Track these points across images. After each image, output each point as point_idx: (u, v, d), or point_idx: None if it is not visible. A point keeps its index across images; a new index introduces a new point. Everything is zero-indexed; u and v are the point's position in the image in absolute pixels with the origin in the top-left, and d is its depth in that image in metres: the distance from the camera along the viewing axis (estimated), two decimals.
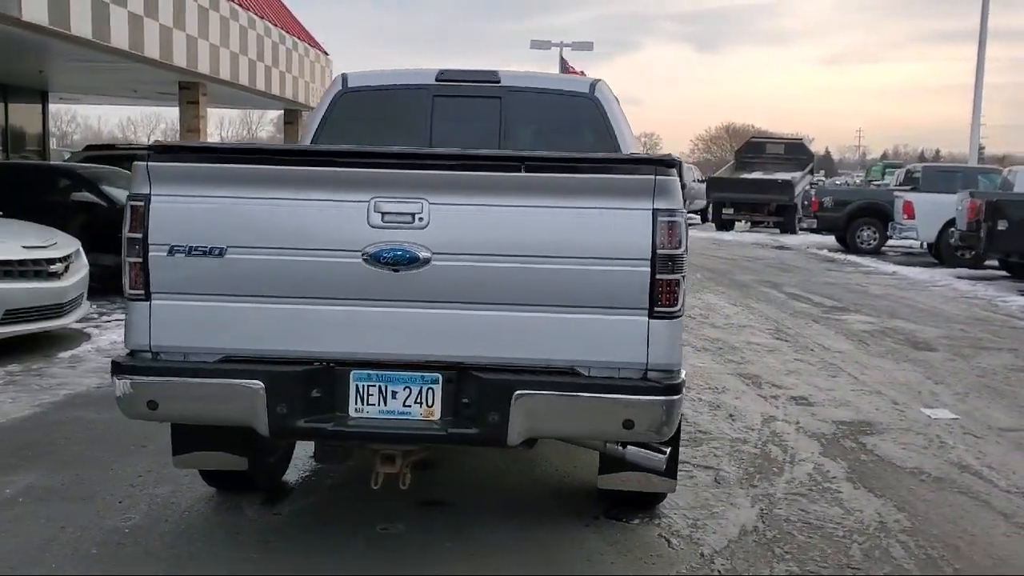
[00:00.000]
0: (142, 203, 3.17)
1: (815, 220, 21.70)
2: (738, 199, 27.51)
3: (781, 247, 21.87)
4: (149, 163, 3.16)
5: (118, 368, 3.18)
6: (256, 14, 16.02)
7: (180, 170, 3.18)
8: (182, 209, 3.17)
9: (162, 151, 3.20)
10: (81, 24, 10.01)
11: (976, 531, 4.03)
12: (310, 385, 3.15)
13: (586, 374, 3.15)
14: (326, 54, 21.25)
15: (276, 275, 3.16)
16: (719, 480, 4.61)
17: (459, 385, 3.15)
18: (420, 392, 3.18)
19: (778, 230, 27.05)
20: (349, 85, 5.02)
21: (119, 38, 10.65)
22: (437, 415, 3.18)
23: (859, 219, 20.71)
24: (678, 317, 3.16)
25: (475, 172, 3.13)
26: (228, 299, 3.19)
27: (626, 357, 3.14)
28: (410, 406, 3.18)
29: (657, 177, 3.06)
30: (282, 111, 21.14)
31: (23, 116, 17.53)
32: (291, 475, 4.52)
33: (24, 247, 6.91)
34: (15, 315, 6.67)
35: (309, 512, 4.08)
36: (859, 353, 8.19)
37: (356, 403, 3.20)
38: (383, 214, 3.10)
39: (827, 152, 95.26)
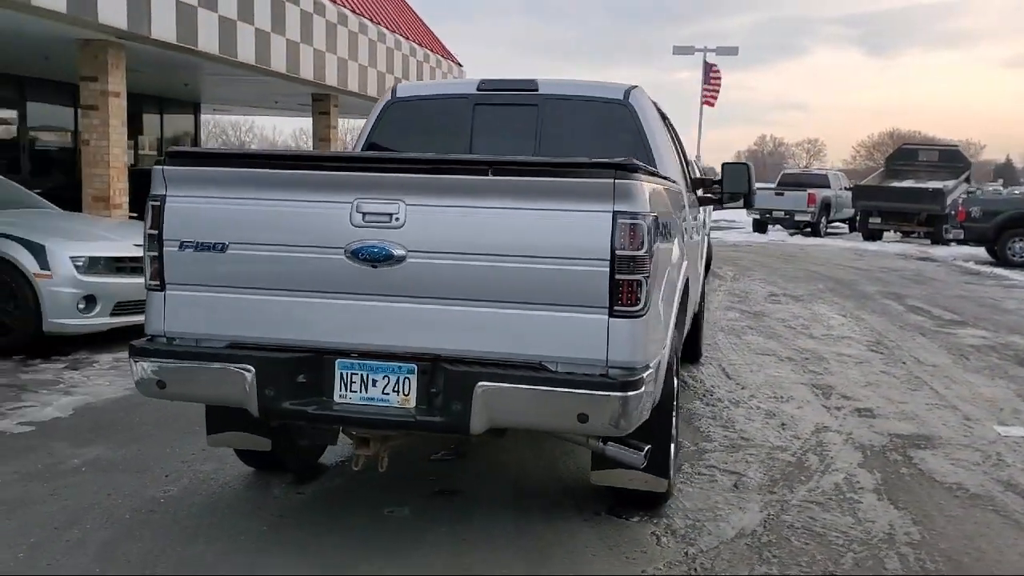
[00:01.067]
0: (159, 203, 3.54)
1: (961, 231, 20.62)
2: (886, 208, 26.40)
3: (925, 258, 20.87)
4: (165, 167, 3.53)
5: (133, 351, 3.56)
6: (388, 28, 16.74)
7: (190, 174, 3.53)
8: (192, 209, 3.51)
9: (175, 156, 3.56)
10: (208, 41, 10.84)
11: (989, 548, 3.90)
12: (297, 371, 3.42)
13: (554, 369, 3.29)
14: (459, 65, 21.86)
15: (270, 269, 3.45)
16: (739, 485, 4.61)
17: (431, 376, 3.35)
18: (398, 381, 3.40)
19: (928, 241, 25.83)
20: (398, 95, 5.31)
21: (245, 53, 11.43)
22: (412, 403, 3.39)
23: (1011, 230, 19.53)
24: (640, 316, 3.25)
25: (446, 176, 3.32)
26: (230, 291, 3.51)
27: (588, 353, 3.25)
28: (388, 394, 3.40)
29: (616, 181, 3.17)
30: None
31: (178, 125, 18.93)
32: (329, 458, 4.82)
33: (136, 245, 7.56)
34: (124, 307, 7.33)
35: (330, 494, 4.37)
36: (953, 368, 7.85)
37: (340, 389, 3.45)
38: (364, 214, 3.34)
39: (1008, 160, 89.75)
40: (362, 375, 3.43)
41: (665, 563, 3.65)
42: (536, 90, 5.12)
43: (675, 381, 4.21)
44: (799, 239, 25.98)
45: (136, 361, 3.54)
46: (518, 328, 3.29)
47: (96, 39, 9.46)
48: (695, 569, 3.59)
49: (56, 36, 9.39)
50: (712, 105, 38.99)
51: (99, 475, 4.53)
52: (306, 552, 3.66)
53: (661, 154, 4.93)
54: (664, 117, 5.76)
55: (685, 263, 5.03)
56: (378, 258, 3.32)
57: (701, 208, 7.02)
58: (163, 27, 9.66)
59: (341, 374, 3.45)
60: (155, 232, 3.54)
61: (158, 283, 3.57)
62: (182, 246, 3.52)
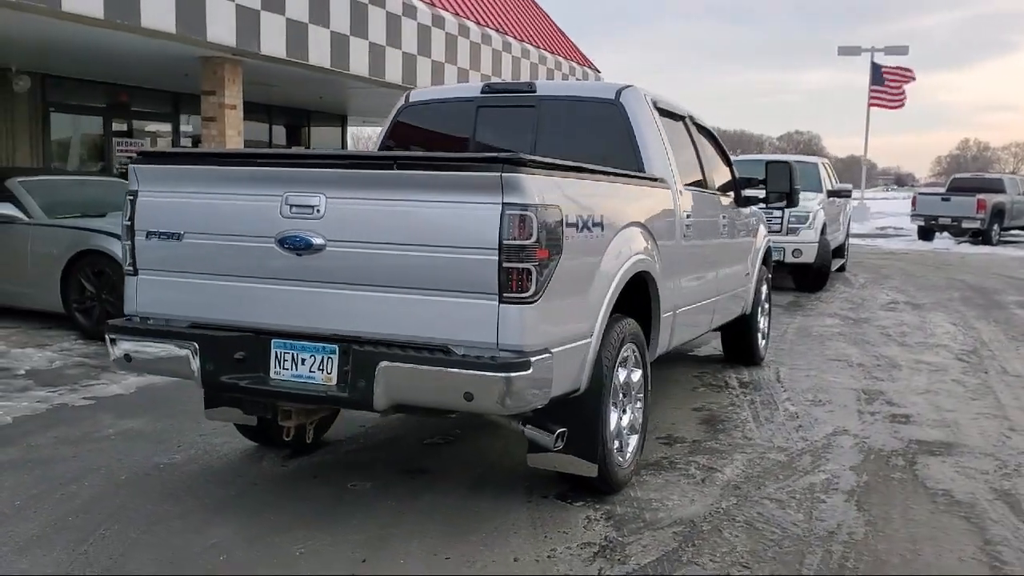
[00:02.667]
0: (133, 198, 4.01)
1: None
2: None
3: None
4: (137, 166, 4.00)
5: (108, 328, 4.04)
6: (532, 44, 17.26)
7: (155, 171, 3.98)
8: (156, 202, 3.96)
9: (144, 156, 4.02)
10: (359, 66, 11.74)
11: (929, 552, 3.78)
12: (234, 349, 3.79)
13: (458, 352, 3.50)
14: (597, 71, 22.03)
15: (217, 256, 3.84)
16: (707, 480, 4.63)
17: (347, 356, 3.64)
18: (321, 360, 3.70)
19: None
20: (410, 100, 5.64)
21: (393, 74, 12.23)
22: (334, 381, 3.68)
23: None
24: (530, 303, 3.41)
25: (357, 170, 3.60)
26: (186, 275, 3.93)
27: (483, 337, 3.44)
28: (314, 372, 3.71)
29: (504, 174, 3.35)
30: None
31: (326, 137, 20.09)
32: (337, 434, 5.18)
33: None
34: None
35: (311, 467, 4.72)
36: None
37: (275, 367, 3.79)
38: (291, 206, 3.67)
39: None
40: (293, 354, 3.75)
41: (579, 544, 3.76)
42: (534, 92, 5.31)
43: (622, 372, 4.30)
44: (966, 247, 24.47)
45: (109, 337, 4.02)
46: (424, 313, 3.52)
47: (214, 56, 10.35)
48: (605, 553, 3.69)
49: (182, 55, 10.32)
50: (892, 108, 36.88)
51: (122, 442, 5.08)
52: (254, 515, 4.02)
53: (649, 152, 5.01)
54: (680, 118, 5.81)
55: (688, 261, 5.09)
56: (300, 247, 3.64)
57: (748, 208, 6.97)
58: (273, 44, 10.44)
59: (276, 353, 3.79)
60: (129, 223, 4.01)
61: (132, 268, 4.04)
62: (148, 235, 3.97)
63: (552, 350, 3.56)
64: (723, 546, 3.79)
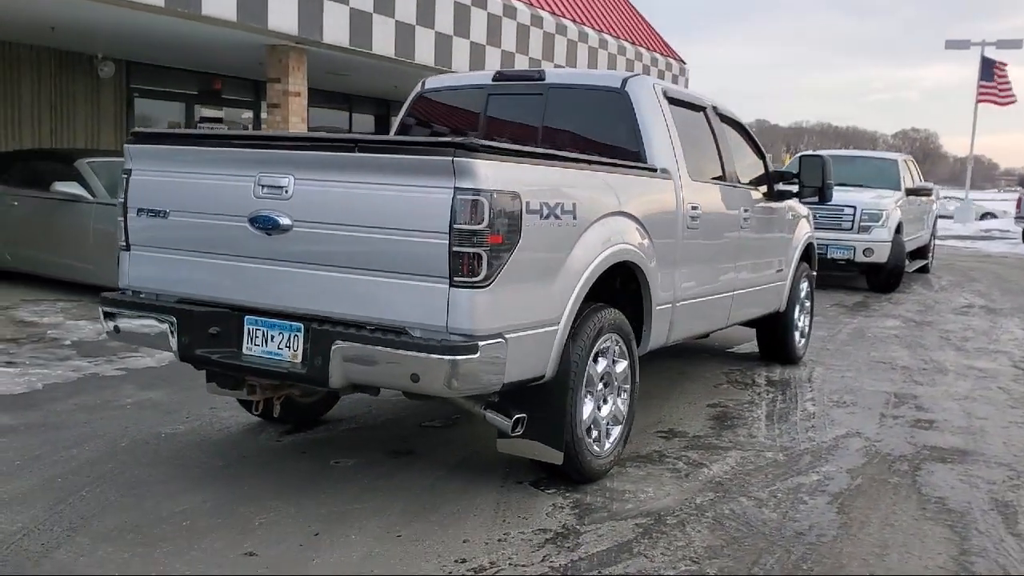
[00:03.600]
0: (127, 176, 4.18)
1: None
2: None
3: None
4: (129, 145, 4.17)
5: (101, 300, 4.23)
6: (610, 33, 17.18)
7: (145, 151, 4.14)
8: (146, 181, 4.12)
9: (135, 136, 4.19)
10: (424, 55, 11.92)
11: (896, 557, 3.65)
12: (208, 324, 3.92)
13: (414, 334, 3.55)
14: (682, 62, 21.73)
15: (197, 234, 3.98)
16: (690, 476, 4.57)
17: (310, 334, 3.73)
18: (289, 338, 3.80)
19: None
20: (425, 87, 5.71)
21: (460, 64, 12.38)
22: (299, 359, 3.78)
23: None
24: (481, 287, 3.43)
25: (322, 152, 3.68)
26: (171, 252, 4.09)
27: (435, 320, 3.48)
28: (282, 349, 3.82)
29: (455, 159, 3.37)
30: None
31: None
32: (341, 413, 5.31)
33: None
34: None
35: (303, 444, 4.85)
36: None
37: (247, 343, 3.91)
38: (264, 187, 3.78)
39: None
40: (263, 331, 3.87)
41: (535, 530, 3.77)
42: (543, 80, 5.31)
43: (601, 362, 4.28)
44: None
45: (101, 309, 4.21)
46: (381, 295, 3.58)
47: (280, 44, 10.63)
48: (557, 540, 3.69)
49: (251, 43, 10.64)
50: (1002, 104, 35.44)
51: (135, 412, 5.31)
52: (232, 485, 4.15)
53: (652, 142, 4.95)
54: (699, 109, 5.72)
55: (694, 253, 5.05)
56: (269, 226, 3.75)
57: (785, 203, 6.82)
58: (336, 32, 10.66)
59: (248, 329, 3.91)
60: (123, 200, 4.19)
61: (125, 244, 4.22)
62: (139, 212, 4.14)
63: (507, 336, 3.57)
64: (681, 540, 3.74)
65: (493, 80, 5.47)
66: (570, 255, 3.94)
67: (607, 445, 4.41)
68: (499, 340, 3.53)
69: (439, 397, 3.85)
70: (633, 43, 18.93)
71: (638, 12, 21.09)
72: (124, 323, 4.14)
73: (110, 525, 3.65)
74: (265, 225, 3.75)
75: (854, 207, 12.71)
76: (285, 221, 3.72)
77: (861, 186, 13.70)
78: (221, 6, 9.10)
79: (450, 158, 3.38)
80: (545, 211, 3.73)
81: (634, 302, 4.73)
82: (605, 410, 4.40)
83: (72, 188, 8.89)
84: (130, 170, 4.18)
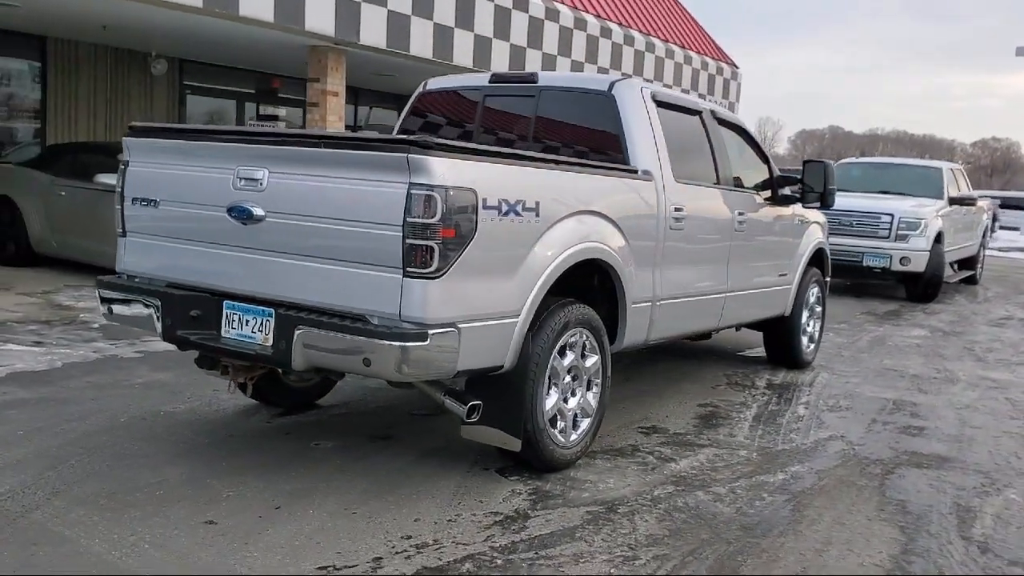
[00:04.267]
0: (124, 167, 4.46)
1: None
2: None
3: None
4: (127, 138, 4.45)
5: (97, 283, 4.51)
6: (657, 37, 17.26)
7: (140, 143, 4.42)
8: (141, 172, 4.40)
9: (132, 129, 4.46)
10: (463, 57, 12.18)
11: (831, 556, 3.73)
12: (189, 307, 4.17)
13: (373, 321, 3.74)
14: (735, 67, 21.63)
15: (182, 222, 4.24)
16: (657, 469, 4.68)
17: (276, 319, 3.95)
18: (261, 322, 4.02)
19: None
20: (427, 88, 5.91)
21: (499, 66, 12.61)
22: (269, 342, 4.00)
23: None
24: (433, 278, 3.61)
25: (292, 147, 3.90)
26: (161, 239, 4.35)
27: (390, 308, 3.67)
28: (255, 333, 4.05)
29: (410, 156, 3.56)
30: None
31: None
32: (335, 399, 5.54)
33: None
34: None
35: (290, 426, 5.07)
36: None
37: (225, 326, 4.15)
38: (241, 179, 4.01)
39: None
40: (239, 315, 4.10)
41: (486, 512, 3.93)
42: (536, 82, 5.47)
43: (569, 355, 4.42)
44: None
45: (97, 292, 4.49)
46: (345, 283, 3.78)
47: (320, 45, 10.95)
48: (505, 523, 3.84)
49: (294, 44, 10.98)
50: None
51: (142, 391, 5.60)
52: (212, 461, 4.40)
53: (635, 144, 5.07)
54: (694, 113, 5.82)
55: (677, 254, 5.17)
56: (244, 216, 3.98)
57: (790, 208, 6.87)
58: (373, 34, 10.94)
59: (227, 313, 4.15)
60: (120, 190, 4.47)
61: (122, 231, 4.50)
62: (133, 201, 4.41)
63: (460, 325, 3.74)
64: (625, 528, 3.86)
65: (490, 82, 5.65)
66: (532, 251, 4.09)
67: (574, 436, 4.55)
68: (451, 329, 3.70)
69: (406, 384, 4.04)
70: (682, 47, 18.92)
71: (690, 15, 21.05)
72: (116, 306, 4.41)
73: (88, 491, 3.92)
74: (241, 215, 3.98)
75: (891, 215, 12.58)
76: (259, 212, 3.94)
77: (903, 194, 13.55)
78: (258, 7, 9.44)
79: (405, 155, 3.56)
80: (504, 207, 3.89)
81: (612, 299, 4.86)
82: (572, 402, 4.54)
83: (113, 180, 9.27)
84: (127, 161, 4.46)
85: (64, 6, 9.78)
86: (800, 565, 3.62)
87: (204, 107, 15.13)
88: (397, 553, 3.48)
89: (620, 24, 16.44)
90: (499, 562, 3.46)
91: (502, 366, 4.07)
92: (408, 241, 3.59)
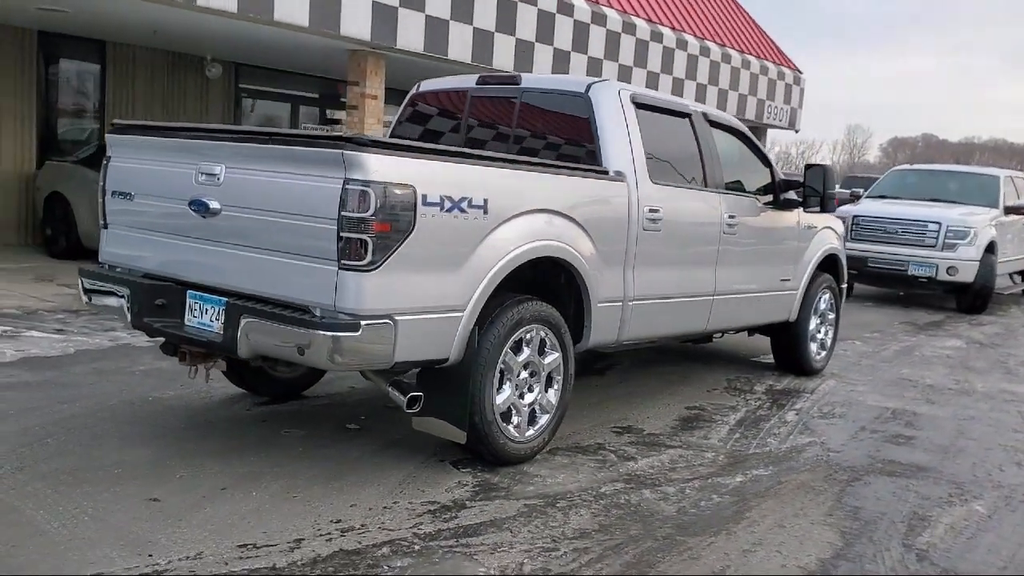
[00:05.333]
0: (107, 162, 4.71)
1: None
2: None
3: None
4: (110, 135, 4.69)
5: (79, 272, 4.76)
6: (713, 40, 17.19)
7: (120, 139, 4.65)
8: (119, 167, 4.63)
9: (115, 127, 4.70)
10: (503, 62, 12.39)
11: (756, 557, 3.72)
12: (154, 296, 4.38)
13: (315, 312, 3.89)
14: (798, 71, 21.28)
15: (153, 215, 4.45)
16: (613, 467, 4.72)
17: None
18: (217, 311, 4.20)
19: None
20: (420, 89, 6.06)
21: (542, 70, 12.75)
22: (222, 330, 4.18)
23: None
24: (366, 271, 3.73)
25: (243, 143, 4.07)
26: (135, 231, 4.58)
27: (326, 299, 3.81)
28: (212, 321, 4.23)
29: (344, 152, 3.69)
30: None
31: None
32: (322, 391, 5.72)
33: None
34: None
35: (268, 414, 5.25)
36: None
37: (188, 315, 4.34)
38: (203, 174, 4.21)
39: None
40: (200, 304, 4.29)
41: (424, 501, 4.03)
42: (518, 84, 5.56)
43: (525, 351, 4.50)
44: None
45: (79, 280, 4.74)
46: (290, 275, 3.94)
47: (359, 50, 11.20)
48: (438, 512, 3.94)
49: (336, 48, 11.25)
50: None
51: (140, 378, 5.87)
52: (179, 444, 4.60)
53: (607, 145, 5.12)
54: (683, 115, 5.83)
55: (652, 255, 5.20)
56: (202, 210, 4.17)
57: (794, 212, 6.82)
58: (410, 39, 11.14)
59: (190, 303, 4.34)
60: (102, 184, 4.71)
61: (104, 223, 4.74)
62: (113, 194, 4.65)
63: (397, 317, 3.85)
64: (556, 521, 3.92)
65: (476, 84, 5.76)
66: (479, 247, 4.18)
67: (530, 432, 4.62)
68: (385, 321, 3.82)
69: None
70: (741, 51, 18.69)
71: (752, 19, 20.77)
72: (95, 296, 4.65)
73: (52, 467, 4.15)
74: (200, 209, 4.17)
75: (939, 223, 12.26)
76: (215, 205, 4.13)
77: (953, 202, 13.18)
78: (293, 12, 9.71)
79: (340, 151, 3.70)
80: (447, 204, 3.99)
81: (580, 298, 4.92)
82: (529, 398, 4.61)
83: None
84: (110, 157, 4.70)
85: (113, 12, 10.22)
86: (720, 564, 3.63)
87: (259, 110, 15.57)
88: (320, 535, 3.61)
89: (672, 28, 16.34)
90: (416, 547, 3.56)
91: (447, 359, 4.17)
92: (342, 234, 3.71)
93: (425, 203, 3.88)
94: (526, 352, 4.55)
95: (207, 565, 3.28)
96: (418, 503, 4.03)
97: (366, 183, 3.69)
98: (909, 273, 12.31)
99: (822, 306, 7.45)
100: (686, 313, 5.80)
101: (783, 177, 6.78)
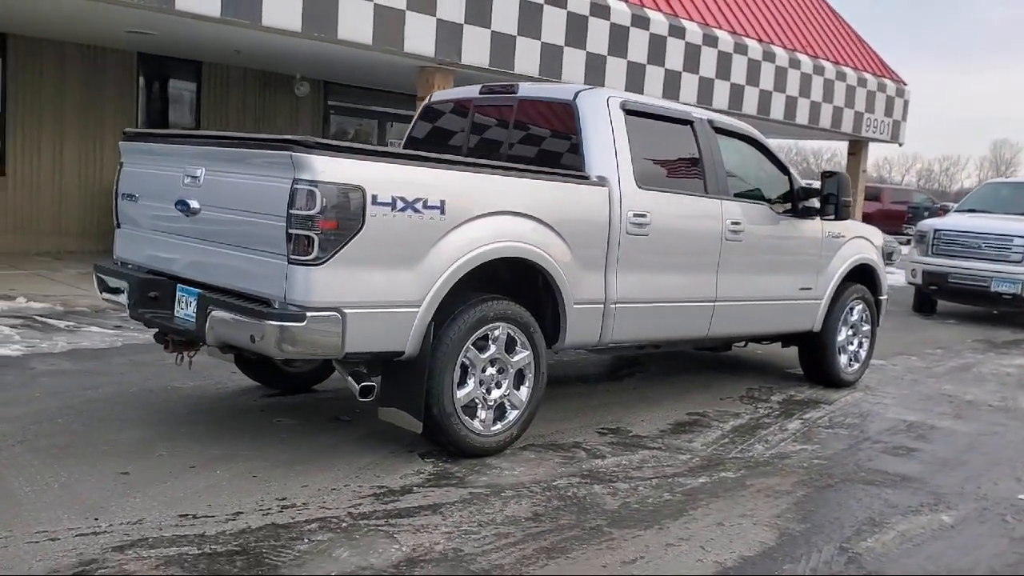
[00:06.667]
0: (120, 167, 5.15)
1: None
2: None
3: None
4: (122, 143, 5.14)
5: (94, 268, 5.21)
6: (805, 52, 17.04)
7: (130, 146, 5.09)
8: (130, 171, 5.07)
9: (127, 136, 5.14)
10: (573, 75, 12.67)
11: (672, 554, 3.78)
12: (148, 289, 4.76)
13: (275, 304, 4.18)
14: (902, 83, 20.62)
15: (151, 214, 4.86)
16: (579, 463, 4.82)
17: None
18: (196, 303, 4.55)
19: None
20: (432, 99, 6.33)
21: (614, 83, 12.95)
22: (196, 320, 4.52)
23: None
24: (313, 265, 3.99)
25: (214, 147, 4.41)
26: (140, 229, 5.00)
27: (278, 292, 4.10)
28: (194, 312, 4.58)
29: (293, 154, 3.98)
30: (846, 142, 21.13)
31: None
32: (333, 385, 6.02)
33: None
34: None
35: (270, 405, 5.58)
36: None
37: (177, 306, 4.71)
38: (188, 176, 4.58)
39: None
40: (185, 297, 4.65)
41: (373, 486, 4.25)
42: (515, 93, 5.75)
43: (491, 347, 4.67)
44: None
45: (95, 275, 5.20)
46: (251, 269, 4.25)
47: (427, 66, 11.60)
48: (383, 496, 4.14)
49: (405, 65, 11.70)
50: None
51: (167, 369, 6.28)
52: (174, 427, 4.97)
53: (591, 152, 5.25)
54: (685, 123, 5.89)
55: (640, 259, 5.31)
56: (185, 209, 4.53)
57: (815, 220, 6.76)
58: (476, 55, 11.45)
59: (179, 296, 4.71)
60: (116, 187, 5.16)
61: (117, 223, 5.19)
62: (123, 197, 5.09)
63: (345, 310, 4.10)
64: (492, 509, 4.07)
65: (480, 93, 5.98)
66: (436, 246, 4.38)
67: (497, 426, 4.78)
68: (333, 313, 4.07)
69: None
70: (836, 63, 18.27)
71: (851, 29, 20.25)
72: (102, 286, 5.09)
73: (49, 443, 4.57)
74: (183, 208, 4.53)
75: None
76: (195, 205, 4.48)
77: None
78: (356, 31, 10.16)
79: (290, 154, 3.98)
80: (400, 204, 4.21)
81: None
82: (496, 393, 4.77)
83: None
84: (122, 163, 5.14)
85: (194, 34, 10.91)
86: (635, 555, 3.70)
87: (347, 127, 16.23)
88: (259, 510, 3.87)
89: (759, 40, 16.15)
90: (344, 525, 3.78)
91: (403, 351, 4.38)
92: (291, 231, 3.99)
93: (376, 203, 4.12)
94: (492, 349, 4.72)
95: (143, 529, 3.59)
96: (367, 487, 4.25)
97: (313, 183, 3.96)
98: (992, 290, 11.81)
99: (853, 317, 7.31)
100: (682, 317, 5.84)
101: (802, 185, 6.72)
